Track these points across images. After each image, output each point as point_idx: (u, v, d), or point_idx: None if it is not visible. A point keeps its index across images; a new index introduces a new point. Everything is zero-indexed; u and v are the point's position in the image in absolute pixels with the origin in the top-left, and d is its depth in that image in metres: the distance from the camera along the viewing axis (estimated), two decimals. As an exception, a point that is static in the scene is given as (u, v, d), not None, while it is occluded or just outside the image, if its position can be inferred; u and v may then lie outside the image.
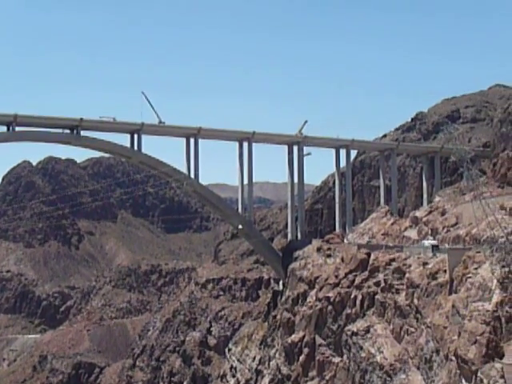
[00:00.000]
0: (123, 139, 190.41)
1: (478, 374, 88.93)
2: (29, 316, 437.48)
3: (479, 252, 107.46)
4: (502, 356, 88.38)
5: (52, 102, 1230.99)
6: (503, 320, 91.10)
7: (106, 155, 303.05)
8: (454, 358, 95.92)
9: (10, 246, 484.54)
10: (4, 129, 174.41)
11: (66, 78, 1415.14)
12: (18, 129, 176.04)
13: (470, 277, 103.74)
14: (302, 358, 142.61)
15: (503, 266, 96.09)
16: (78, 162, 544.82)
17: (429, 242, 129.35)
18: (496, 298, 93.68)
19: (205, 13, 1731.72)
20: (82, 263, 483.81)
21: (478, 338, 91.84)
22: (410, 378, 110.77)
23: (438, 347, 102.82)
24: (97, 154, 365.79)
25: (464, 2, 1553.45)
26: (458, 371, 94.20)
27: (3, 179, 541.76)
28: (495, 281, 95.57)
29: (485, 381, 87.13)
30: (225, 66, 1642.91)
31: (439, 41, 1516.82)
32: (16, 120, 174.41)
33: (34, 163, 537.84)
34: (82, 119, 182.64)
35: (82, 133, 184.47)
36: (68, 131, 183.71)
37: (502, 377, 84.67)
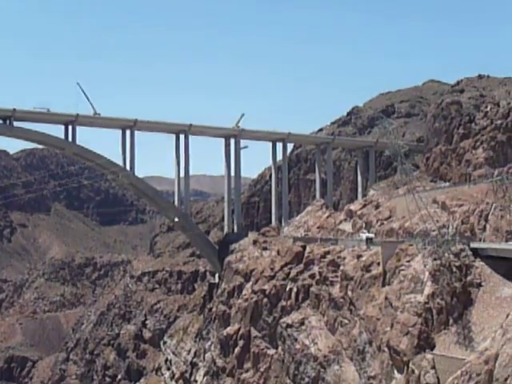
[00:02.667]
0: (57, 130, 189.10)
1: (410, 365, 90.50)
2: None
3: (412, 245, 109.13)
4: (433, 347, 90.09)
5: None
6: (434, 312, 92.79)
7: (40, 146, 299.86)
8: (386, 349, 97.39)
9: None
10: None
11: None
12: None
13: (402, 269, 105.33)
14: (237, 350, 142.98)
15: (435, 259, 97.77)
16: (10, 153, 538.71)
17: (366, 234, 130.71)
18: (428, 290, 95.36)
19: (142, 7, 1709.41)
20: (14, 256, 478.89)
21: (409, 329, 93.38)
22: (344, 369, 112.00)
23: (371, 338, 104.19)
24: (30, 145, 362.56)
25: (396, 2, 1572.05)
26: (391, 362, 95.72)
27: None
28: (427, 273, 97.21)
29: (416, 371, 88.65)
30: (162, 59, 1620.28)
31: (376, 37, 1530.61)
32: None
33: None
34: (14, 110, 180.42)
35: (15, 123, 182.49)
36: (0, 122, 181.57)
37: (433, 367, 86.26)
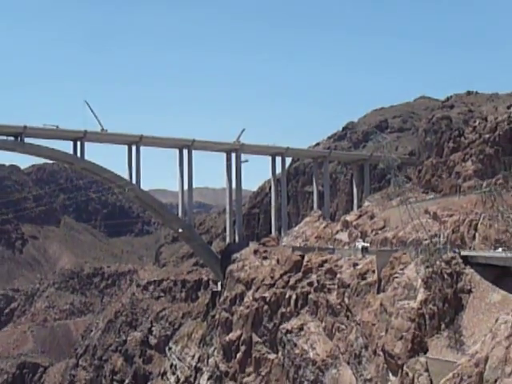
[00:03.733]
0: (67, 146, 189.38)
1: (404, 368, 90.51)
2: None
3: (405, 253, 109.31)
4: (426, 350, 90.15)
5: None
6: (427, 317, 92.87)
7: (50, 161, 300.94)
8: (381, 353, 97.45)
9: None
10: None
11: (9, 85, 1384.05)
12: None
13: (396, 277, 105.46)
14: (239, 355, 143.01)
15: (427, 267, 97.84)
16: (21, 168, 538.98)
17: (362, 244, 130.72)
18: (420, 296, 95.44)
19: (145, 27, 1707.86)
20: (25, 266, 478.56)
21: (403, 334, 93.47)
22: (341, 373, 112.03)
23: (367, 343, 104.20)
24: (40, 160, 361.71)
25: (388, 22, 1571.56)
26: (385, 365, 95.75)
27: None
28: (420, 280, 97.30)
29: (410, 374, 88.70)
30: (165, 79, 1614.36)
31: (369, 55, 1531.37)
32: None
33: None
34: (25, 127, 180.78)
35: (26, 140, 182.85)
36: (12, 138, 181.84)
37: (427, 370, 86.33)
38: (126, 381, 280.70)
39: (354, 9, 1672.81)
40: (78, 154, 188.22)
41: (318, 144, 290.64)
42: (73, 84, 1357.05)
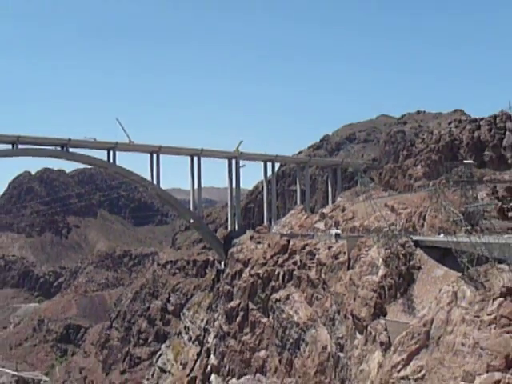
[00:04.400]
0: (102, 154, 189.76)
1: (368, 328, 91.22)
2: (30, 290, 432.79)
3: (369, 238, 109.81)
4: (385, 314, 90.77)
5: (42, 124, 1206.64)
6: (386, 288, 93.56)
7: (89, 166, 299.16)
8: (350, 317, 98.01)
9: (14, 237, 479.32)
10: (9, 146, 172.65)
11: (55, 104, 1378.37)
12: (20, 146, 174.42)
13: (362, 257, 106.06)
14: (238, 319, 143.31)
15: (386, 249, 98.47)
16: (66, 171, 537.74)
17: (335, 231, 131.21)
18: (381, 272, 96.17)
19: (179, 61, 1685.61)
20: (70, 249, 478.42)
21: (368, 301, 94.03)
22: (319, 333, 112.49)
23: (339, 309, 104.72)
24: (81, 165, 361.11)
25: (354, 49, 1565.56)
26: (354, 326, 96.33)
27: (9, 185, 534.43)
28: (380, 259, 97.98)
29: (373, 333, 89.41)
30: (180, 100, 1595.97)
31: (340, 80, 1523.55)
32: (19, 140, 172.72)
33: (33, 173, 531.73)
34: (70, 139, 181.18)
35: (70, 149, 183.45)
36: (59, 148, 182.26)
37: (386, 329, 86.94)
38: (150, 339, 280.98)
39: (325, 36, 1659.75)
40: (111, 161, 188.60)
41: (300, 152, 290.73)
42: (107, 102, 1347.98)
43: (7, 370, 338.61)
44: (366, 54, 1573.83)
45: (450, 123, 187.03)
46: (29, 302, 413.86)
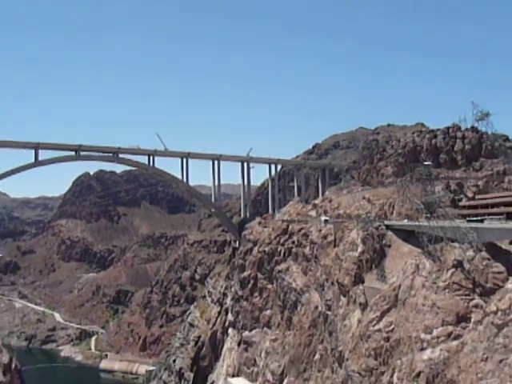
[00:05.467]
0: (144, 159, 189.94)
1: (350, 292, 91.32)
2: (89, 263, 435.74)
3: (350, 223, 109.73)
4: (363, 282, 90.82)
5: (98, 134, 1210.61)
6: (364, 261, 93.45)
7: (134, 168, 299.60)
8: (336, 284, 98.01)
9: (77, 222, 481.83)
10: (73, 153, 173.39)
11: (105, 117, 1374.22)
12: (82, 153, 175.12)
13: (345, 237, 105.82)
14: (249, 285, 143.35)
15: (364, 231, 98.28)
16: (117, 172, 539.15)
17: (324, 217, 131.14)
18: (360, 249, 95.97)
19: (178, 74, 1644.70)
20: (120, 232, 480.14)
21: (349, 272, 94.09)
22: (312, 296, 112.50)
23: (327, 278, 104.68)
24: (128, 167, 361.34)
25: (336, 75, 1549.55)
26: (339, 291, 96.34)
27: (73, 183, 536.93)
28: (359, 239, 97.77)
29: (353, 296, 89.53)
30: (203, 113, 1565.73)
31: (325, 100, 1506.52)
32: (80, 148, 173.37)
33: (91, 173, 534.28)
34: (119, 147, 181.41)
35: (120, 155, 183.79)
36: (111, 154, 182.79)
37: (364, 293, 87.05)
38: (181, 301, 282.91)
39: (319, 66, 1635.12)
40: (151, 164, 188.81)
41: (297, 156, 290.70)
42: (148, 118, 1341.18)
43: (73, 324, 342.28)
44: (346, 78, 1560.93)
45: (413, 133, 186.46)
46: (89, 273, 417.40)
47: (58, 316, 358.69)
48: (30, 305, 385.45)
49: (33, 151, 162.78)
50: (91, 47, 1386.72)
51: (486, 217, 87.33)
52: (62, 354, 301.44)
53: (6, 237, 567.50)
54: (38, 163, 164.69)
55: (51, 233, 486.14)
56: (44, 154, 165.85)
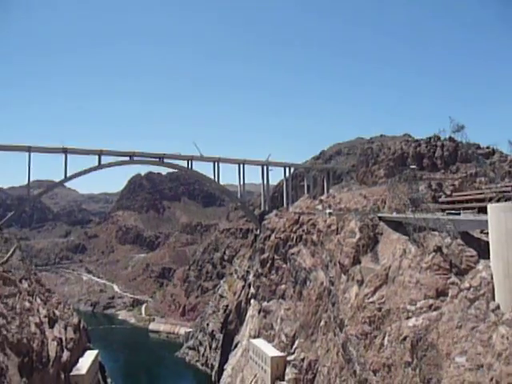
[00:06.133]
0: (184, 163, 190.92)
1: (349, 271, 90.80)
2: (140, 245, 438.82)
3: (350, 215, 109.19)
4: (360, 262, 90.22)
5: (148, 142, 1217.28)
6: (360, 246, 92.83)
7: (176, 170, 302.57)
8: (338, 264, 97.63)
9: (131, 213, 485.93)
10: (127, 158, 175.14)
11: (154, 129, 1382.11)
12: (135, 158, 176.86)
13: (345, 226, 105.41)
14: (268, 265, 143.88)
15: (360, 222, 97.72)
16: (163, 173, 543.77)
17: (329, 210, 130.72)
18: (357, 236, 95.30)
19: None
20: (164, 221, 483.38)
21: (349, 254, 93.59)
22: (318, 274, 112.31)
23: (331, 259, 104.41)
24: (171, 170, 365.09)
25: (338, 90, 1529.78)
26: (340, 270, 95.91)
27: (128, 182, 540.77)
28: (357, 228, 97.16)
29: (352, 274, 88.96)
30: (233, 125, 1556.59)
31: (330, 113, 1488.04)
32: (134, 154, 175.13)
33: (142, 174, 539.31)
34: (164, 154, 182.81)
35: (165, 160, 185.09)
36: (158, 159, 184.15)
37: (360, 272, 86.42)
38: (213, 277, 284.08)
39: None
40: (190, 167, 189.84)
41: (306, 161, 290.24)
42: (188, 129, 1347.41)
43: (127, 294, 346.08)
44: (347, 93, 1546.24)
45: (401, 142, 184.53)
46: (140, 253, 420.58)
47: (115, 287, 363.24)
48: (94, 278, 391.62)
49: (97, 156, 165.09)
50: (147, 60, 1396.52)
51: (461, 211, 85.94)
52: (119, 317, 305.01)
53: (76, 224, 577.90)
54: (101, 166, 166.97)
55: (111, 221, 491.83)
56: (105, 159, 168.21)
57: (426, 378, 54.98)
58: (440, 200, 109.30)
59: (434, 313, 60.98)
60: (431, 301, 62.74)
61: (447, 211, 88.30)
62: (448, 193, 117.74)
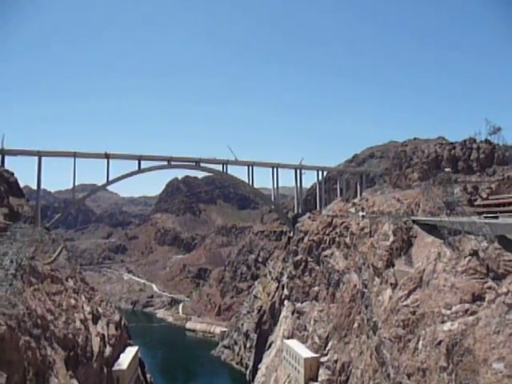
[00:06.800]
0: (219, 167, 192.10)
1: (383, 274, 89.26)
2: (178, 247, 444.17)
3: (383, 218, 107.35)
4: (393, 265, 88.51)
5: (184, 147, 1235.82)
6: (394, 249, 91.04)
7: (211, 174, 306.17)
8: (371, 267, 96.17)
9: (169, 216, 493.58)
10: (165, 163, 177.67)
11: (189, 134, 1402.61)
12: (172, 163, 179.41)
13: (378, 229, 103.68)
14: (301, 267, 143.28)
15: (394, 225, 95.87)
16: (199, 177, 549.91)
17: (362, 213, 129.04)
18: (391, 239, 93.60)
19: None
20: (200, 223, 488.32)
21: (382, 257, 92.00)
22: (351, 276, 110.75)
23: (364, 262, 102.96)
24: (207, 174, 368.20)
25: (372, 96, 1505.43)
26: (373, 273, 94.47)
27: (166, 186, 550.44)
28: (391, 231, 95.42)
29: (385, 277, 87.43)
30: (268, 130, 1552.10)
31: (363, 118, 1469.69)
32: (171, 159, 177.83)
33: (179, 178, 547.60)
34: (200, 158, 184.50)
35: (201, 164, 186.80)
36: (194, 164, 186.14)
37: (394, 275, 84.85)
38: (248, 277, 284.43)
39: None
40: (225, 171, 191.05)
41: (339, 165, 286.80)
42: (222, 133, 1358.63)
43: (165, 293, 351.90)
44: (380, 96, 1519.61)
45: (435, 145, 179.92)
46: (177, 254, 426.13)
47: (154, 287, 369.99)
48: (134, 277, 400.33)
49: (136, 161, 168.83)
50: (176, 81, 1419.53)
51: (499, 214, 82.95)
52: (158, 315, 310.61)
53: (117, 226, 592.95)
54: (140, 170, 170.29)
55: (150, 223, 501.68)
56: (145, 164, 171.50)
57: (463, 383, 53.23)
58: (476, 203, 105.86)
59: (471, 317, 59.00)
60: (467, 305, 60.77)
61: (484, 214, 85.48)
62: (484, 196, 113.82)
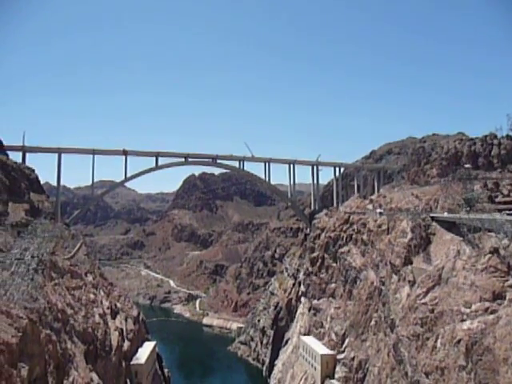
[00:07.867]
0: (235, 163, 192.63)
1: (400, 272, 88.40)
2: (195, 243, 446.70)
3: (401, 215, 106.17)
4: (411, 263, 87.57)
5: (201, 144, 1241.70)
6: (412, 246, 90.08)
7: (228, 171, 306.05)
8: (389, 264, 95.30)
9: (186, 212, 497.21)
10: (183, 159, 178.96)
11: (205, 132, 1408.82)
12: (189, 159, 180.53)
13: (396, 226, 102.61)
14: (318, 263, 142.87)
15: (412, 221, 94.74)
16: (215, 174, 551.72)
17: (379, 210, 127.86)
18: (409, 236, 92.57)
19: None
20: (217, 220, 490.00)
21: (400, 254, 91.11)
22: (368, 274, 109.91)
23: (382, 259, 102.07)
24: (224, 170, 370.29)
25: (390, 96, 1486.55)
26: (391, 270, 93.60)
27: (183, 182, 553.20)
28: (409, 228, 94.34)
29: (403, 274, 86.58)
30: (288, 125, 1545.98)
31: (381, 115, 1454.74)
32: (188, 155, 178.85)
33: (196, 174, 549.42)
34: (217, 155, 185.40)
35: (218, 161, 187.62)
36: (211, 160, 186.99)
37: (412, 272, 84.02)
38: (264, 274, 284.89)
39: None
40: (241, 167, 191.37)
41: (357, 161, 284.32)
42: (240, 130, 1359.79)
43: (183, 289, 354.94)
44: (398, 92, 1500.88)
45: (454, 141, 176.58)
46: (194, 251, 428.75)
47: (172, 282, 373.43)
48: (151, 273, 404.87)
49: (154, 158, 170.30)
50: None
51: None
52: (175, 311, 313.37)
53: (135, 222, 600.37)
54: (158, 167, 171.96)
55: (167, 220, 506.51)
56: (162, 160, 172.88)
57: (482, 382, 52.43)
58: (497, 200, 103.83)
59: (491, 316, 57.98)
60: (487, 304, 59.73)
61: (505, 211, 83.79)
62: (505, 192, 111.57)
